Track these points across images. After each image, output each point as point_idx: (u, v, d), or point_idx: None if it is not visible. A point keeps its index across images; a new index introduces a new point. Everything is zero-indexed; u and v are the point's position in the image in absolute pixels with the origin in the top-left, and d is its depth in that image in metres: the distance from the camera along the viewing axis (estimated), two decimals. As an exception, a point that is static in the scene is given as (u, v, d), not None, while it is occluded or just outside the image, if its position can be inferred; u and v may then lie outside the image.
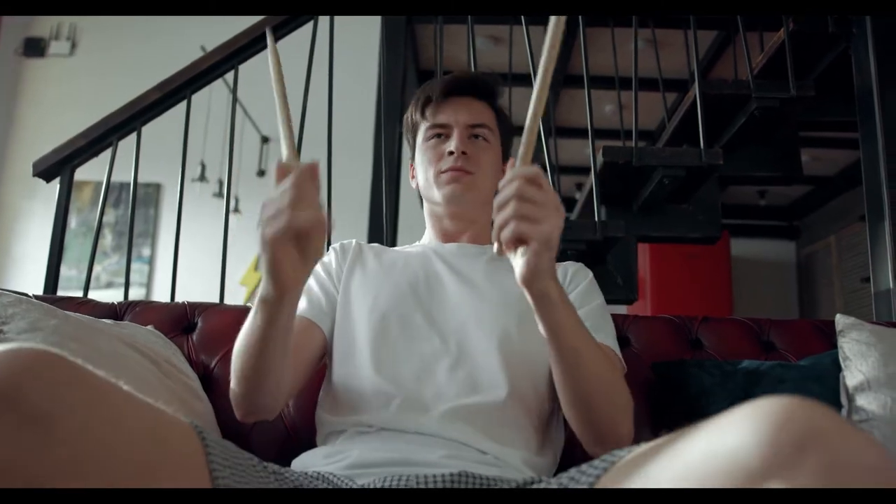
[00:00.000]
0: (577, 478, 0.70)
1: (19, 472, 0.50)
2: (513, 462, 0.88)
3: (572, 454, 1.16)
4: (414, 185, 1.22)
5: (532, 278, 0.78)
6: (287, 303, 0.79)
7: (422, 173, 1.15)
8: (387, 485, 0.78)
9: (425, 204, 1.19)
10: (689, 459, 0.54)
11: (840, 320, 1.26)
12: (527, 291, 0.80)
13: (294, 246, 0.73)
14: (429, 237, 1.18)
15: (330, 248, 1.15)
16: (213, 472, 0.66)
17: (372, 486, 0.79)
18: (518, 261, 0.78)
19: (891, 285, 1.87)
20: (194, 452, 0.65)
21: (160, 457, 0.61)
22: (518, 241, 0.77)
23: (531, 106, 0.78)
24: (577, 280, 1.09)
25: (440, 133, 1.13)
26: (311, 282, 1.09)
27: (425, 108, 1.15)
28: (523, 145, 0.78)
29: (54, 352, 0.55)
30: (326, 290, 1.07)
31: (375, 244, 1.18)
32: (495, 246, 0.79)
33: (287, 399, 0.99)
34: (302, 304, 1.04)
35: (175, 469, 0.63)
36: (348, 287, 1.07)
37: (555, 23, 0.76)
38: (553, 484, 0.75)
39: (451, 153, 1.10)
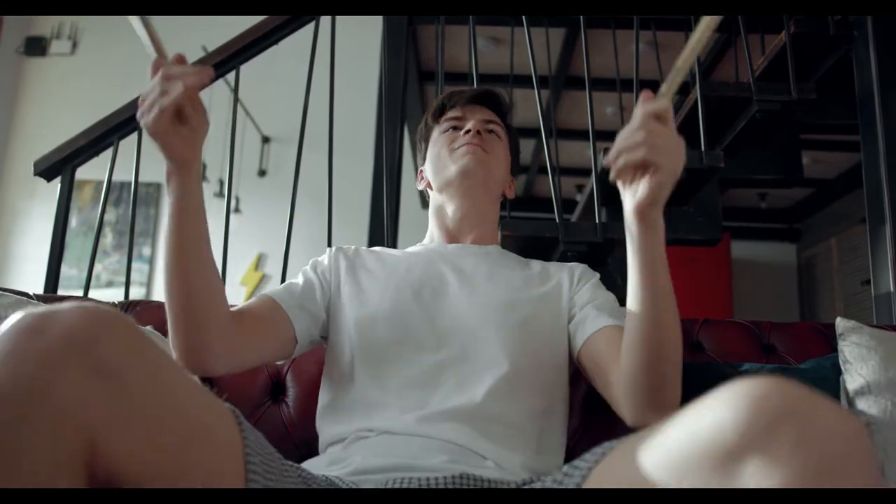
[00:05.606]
0: (571, 473, 0.72)
1: (81, 417, 0.54)
2: (512, 468, 0.88)
3: (573, 453, 1.16)
4: (421, 187, 1.22)
5: (650, 206, 0.79)
6: (190, 174, 0.84)
7: (433, 161, 1.16)
8: (389, 486, 0.79)
9: (432, 200, 1.18)
10: (671, 445, 0.57)
11: (840, 323, 1.26)
12: (638, 221, 0.80)
13: (179, 123, 0.79)
14: (432, 237, 1.17)
15: (327, 249, 1.14)
16: (247, 457, 0.68)
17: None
18: (636, 188, 0.79)
19: (891, 288, 1.87)
20: (233, 432, 0.69)
21: (207, 425, 0.66)
22: (639, 168, 0.78)
23: (689, 45, 0.80)
24: (585, 278, 1.09)
25: (455, 125, 1.16)
26: (298, 276, 1.08)
27: (441, 112, 1.19)
28: (668, 81, 0.79)
29: (125, 316, 0.61)
30: (310, 284, 1.05)
31: (376, 248, 1.16)
32: (612, 174, 0.79)
33: (237, 360, 0.92)
34: (278, 291, 1.03)
35: (217, 439, 0.67)
36: (348, 293, 1.05)
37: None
38: (548, 481, 0.76)
39: (467, 132, 1.12)
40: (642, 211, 0.79)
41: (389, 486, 0.79)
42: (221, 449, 0.67)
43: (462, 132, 1.13)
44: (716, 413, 0.53)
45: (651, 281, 0.83)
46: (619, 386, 0.89)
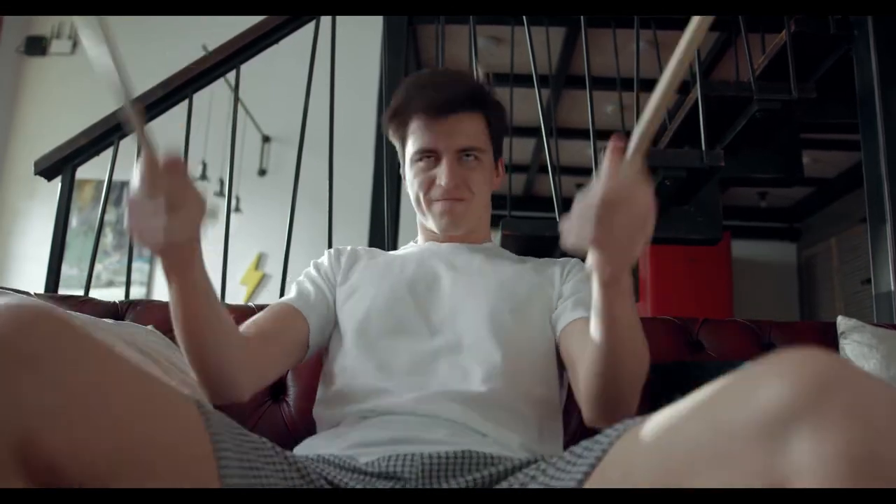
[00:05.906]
0: (591, 447, 0.71)
1: (12, 413, 0.54)
2: (512, 445, 0.89)
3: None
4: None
5: (620, 271, 0.75)
6: (186, 278, 0.79)
7: (412, 193, 1.11)
8: (389, 464, 0.79)
9: (418, 215, 1.16)
10: (717, 415, 0.57)
11: (842, 322, 1.26)
12: (609, 287, 0.77)
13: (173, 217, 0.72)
14: (423, 239, 1.18)
15: (325, 251, 1.16)
16: (213, 437, 0.68)
17: (374, 464, 0.80)
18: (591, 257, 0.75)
19: (892, 287, 1.87)
20: (190, 412, 0.69)
21: (155, 406, 0.65)
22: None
23: (650, 106, 0.67)
24: (574, 271, 1.09)
25: (429, 155, 1.07)
26: (303, 278, 1.10)
27: (407, 126, 1.08)
28: (632, 149, 0.68)
29: (51, 308, 0.60)
30: (317, 285, 1.08)
31: (373, 248, 1.19)
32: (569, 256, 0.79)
33: (260, 379, 0.96)
34: (290, 295, 1.06)
35: (173, 426, 0.66)
36: (346, 292, 1.07)
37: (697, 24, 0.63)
38: (556, 461, 0.75)
39: (441, 183, 1.05)
40: (611, 279, 0.76)
41: (391, 459, 0.79)
42: (178, 426, 0.66)
43: (437, 183, 1.06)
44: (765, 382, 0.54)
45: (609, 335, 0.81)
46: (580, 388, 0.91)
